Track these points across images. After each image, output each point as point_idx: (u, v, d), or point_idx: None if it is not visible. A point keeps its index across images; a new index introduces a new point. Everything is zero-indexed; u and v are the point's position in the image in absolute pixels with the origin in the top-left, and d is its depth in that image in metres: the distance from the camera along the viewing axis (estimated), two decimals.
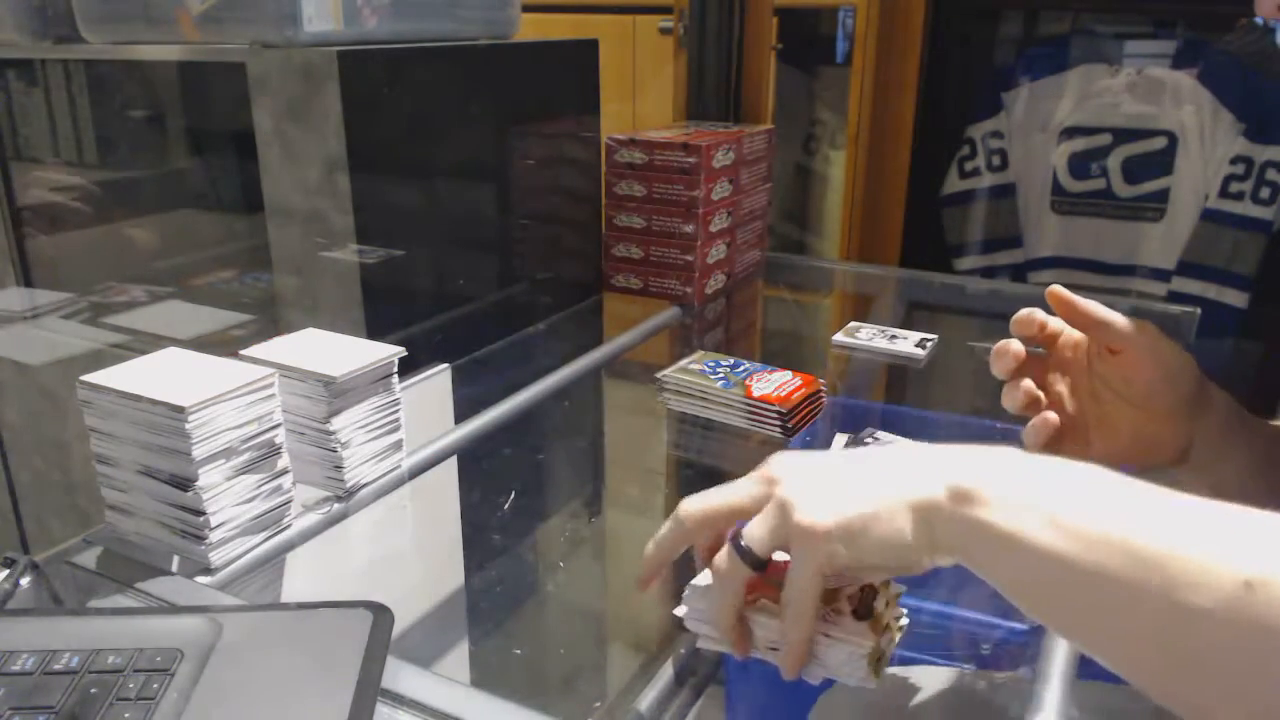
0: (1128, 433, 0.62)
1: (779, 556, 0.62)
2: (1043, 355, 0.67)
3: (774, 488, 0.48)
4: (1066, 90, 1.66)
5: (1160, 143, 1.61)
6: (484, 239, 1.13)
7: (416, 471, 0.79)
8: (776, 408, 0.88)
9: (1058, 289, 0.64)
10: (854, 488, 0.46)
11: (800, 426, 0.88)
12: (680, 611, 0.58)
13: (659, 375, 0.96)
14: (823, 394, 0.93)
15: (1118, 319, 0.62)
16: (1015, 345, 0.65)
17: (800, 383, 0.92)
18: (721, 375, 0.94)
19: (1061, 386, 0.66)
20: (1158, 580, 0.36)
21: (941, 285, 1.40)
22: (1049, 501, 0.41)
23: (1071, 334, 0.66)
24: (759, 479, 0.49)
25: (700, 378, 0.94)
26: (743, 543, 0.48)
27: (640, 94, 2.00)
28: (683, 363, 0.98)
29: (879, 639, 0.55)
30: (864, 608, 0.56)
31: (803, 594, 0.47)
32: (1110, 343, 0.63)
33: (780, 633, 0.53)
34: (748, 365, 0.96)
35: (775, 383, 0.92)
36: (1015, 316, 0.66)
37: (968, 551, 0.44)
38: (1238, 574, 0.35)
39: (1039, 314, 0.65)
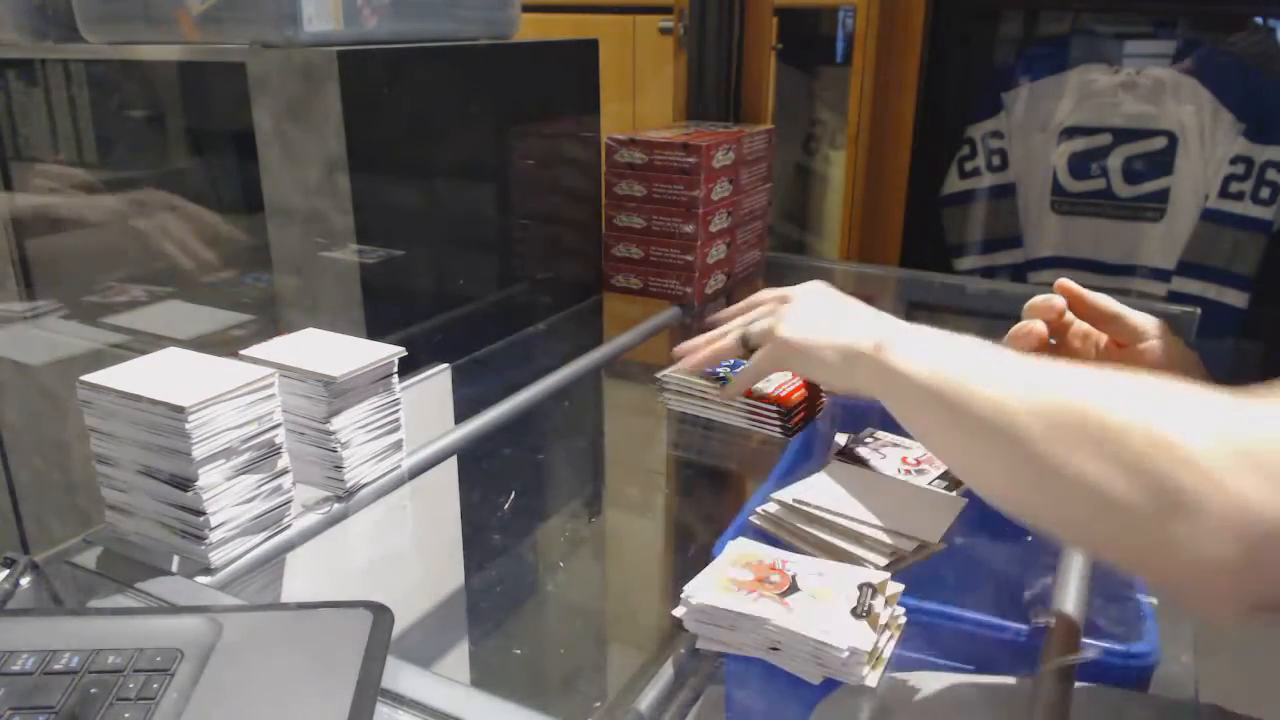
0: None
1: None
2: (1051, 344, 0.67)
3: (783, 305, 0.75)
4: (1066, 90, 1.66)
5: (1160, 143, 1.61)
6: (484, 239, 1.13)
7: (416, 471, 0.79)
8: (775, 407, 0.88)
9: (1066, 281, 0.65)
10: (826, 326, 0.69)
11: (800, 426, 0.88)
12: (680, 612, 0.58)
13: (659, 375, 0.95)
14: (822, 393, 0.92)
15: (1127, 313, 0.63)
16: (1038, 326, 0.66)
17: (799, 383, 0.92)
18: (721, 375, 0.94)
19: None
20: (988, 412, 0.51)
21: (941, 285, 1.40)
22: (934, 356, 0.57)
23: (1082, 325, 0.66)
24: (780, 299, 0.77)
25: (700, 378, 0.94)
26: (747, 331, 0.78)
27: (640, 94, 2.00)
28: (682, 362, 0.98)
29: (879, 637, 0.55)
30: (862, 606, 0.56)
31: (757, 365, 0.77)
32: (1118, 336, 0.63)
33: (779, 632, 0.53)
34: (747, 365, 0.96)
35: (775, 382, 0.92)
36: (1032, 302, 0.67)
37: (877, 386, 0.61)
38: (1034, 406, 0.49)
39: (1059, 301, 0.66)
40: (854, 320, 0.67)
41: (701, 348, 0.82)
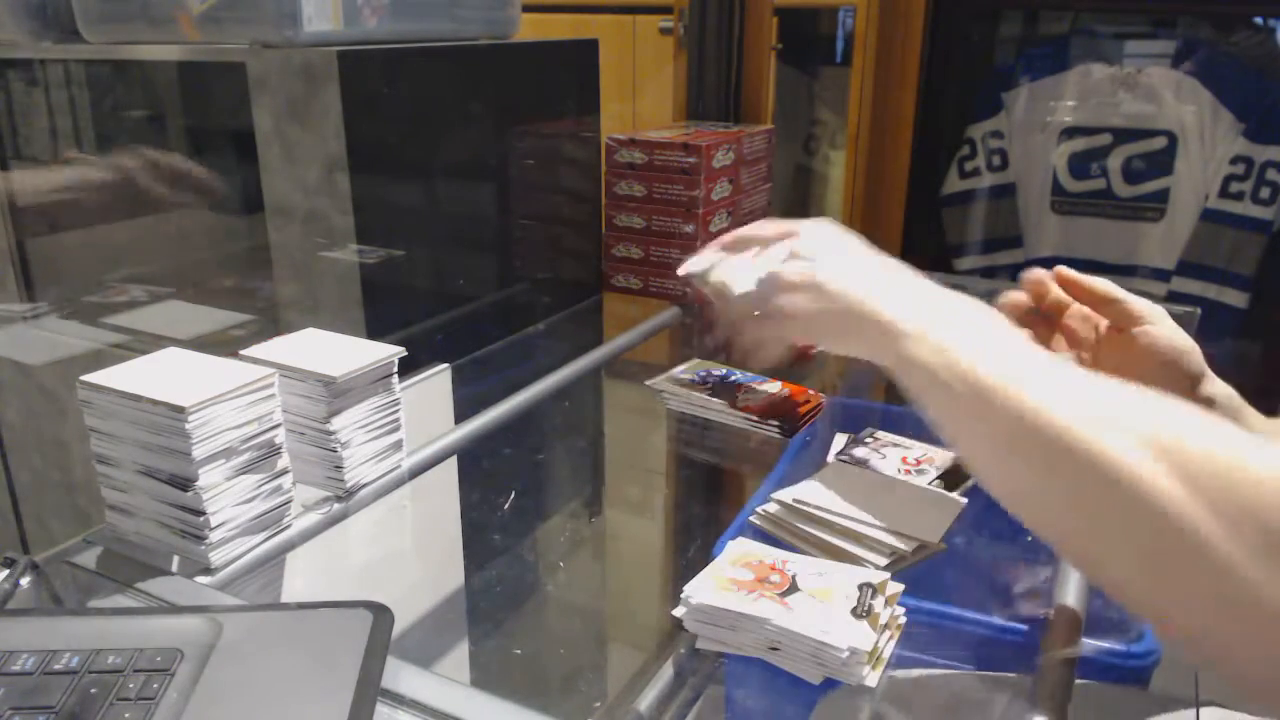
0: None
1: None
2: (1045, 321, 0.68)
3: (802, 242, 0.64)
4: (1066, 90, 1.66)
5: (1160, 143, 1.61)
6: (484, 239, 1.13)
7: (416, 471, 0.79)
8: (759, 418, 0.88)
9: (1063, 268, 0.65)
10: (868, 283, 0.58)
11: (799, 426, 0.88)
12: (680, 611, 0.58)
13: (649, 383, 0.96)
14: (811, 403, 0.92)
15: (1126, 297, 0.63)
16: (1021, 296, 0.67)
17: (789, 393, 0.93)
18: (710, 386, 0.95)
19: (1067, 355, 0.67)
20: (1001, 403, 0.46)
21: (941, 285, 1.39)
22: (956, 348, 0.50)
23: (1081, 307, 0.67)
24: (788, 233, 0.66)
25: (690, 386, 0.94)
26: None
27: (640, 94, 2.00)
28: (675, 371, 0.98)
29: (878, 636, 0.55)
30: (862, 606, 0.56)
31: (791, 308, 0.61)
32: (1117, 320, 0.63)
33: (779, 632, 0.53)
34: (739, 375, 0.97)
35: (766, 392, 0.92)
36: (1028, 274, 0.67)
37: (896, 366, 0.55)
38: (1112, 429, 0.42)
39: (1047, 277, 0.66)
40: (895, 286, 0.58)
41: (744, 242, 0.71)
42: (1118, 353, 0.63)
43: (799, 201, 2.07)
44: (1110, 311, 0.64)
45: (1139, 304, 0.64)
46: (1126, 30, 1.64)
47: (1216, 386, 0.62)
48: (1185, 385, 0.61)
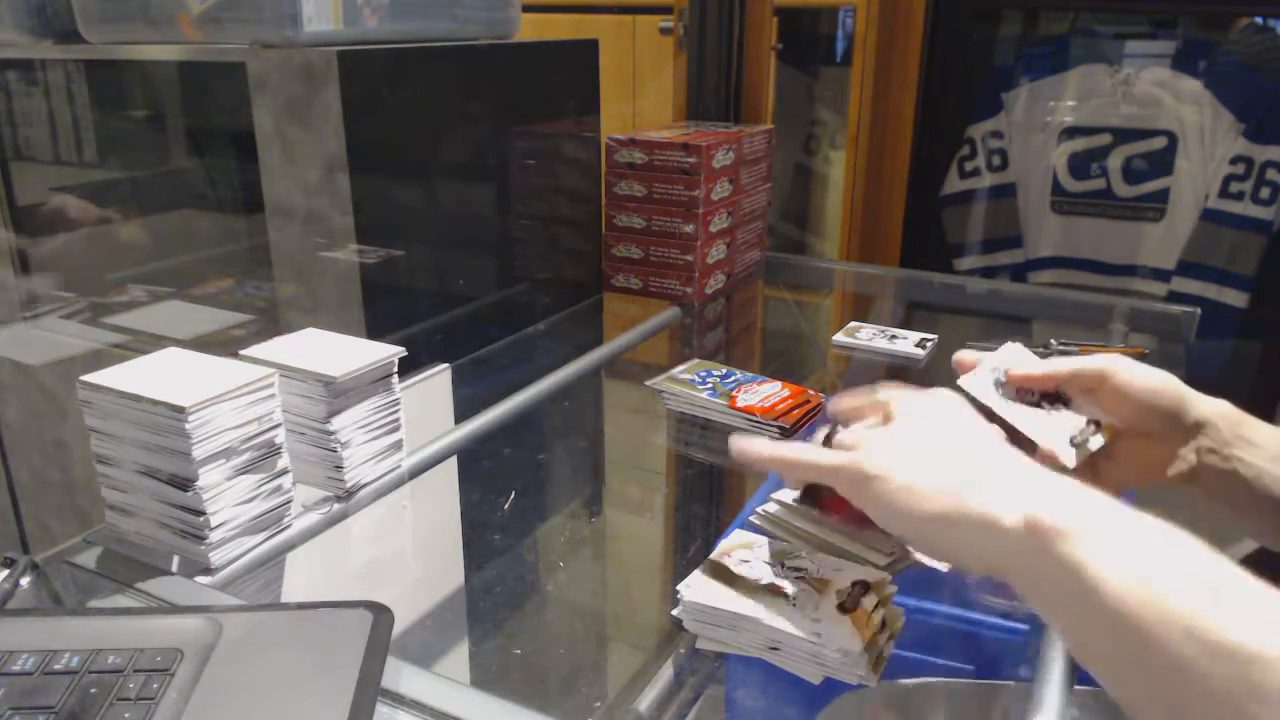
0: (1127, 457, 0.61)
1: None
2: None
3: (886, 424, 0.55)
4: (1066, 90, 1.66)
5: (1160, 143, 1.61)
6: (484, 239, 1.13)
7: (416, 471, 0.79)
8: (759, 418, 0.88)
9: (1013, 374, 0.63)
10: (934, 469, 0.49)
11: (799, 426, 0.88)
12: (679, 611, 0.58)
13: (649, 382, 0.96)
14: (811, 403, 0.92)
15: (1077, 368, 0.61)
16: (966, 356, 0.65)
17: (788, 394, 0.93)
18: (710, 385, 0.95)
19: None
20: (1202, 660, 0.36)
21: (941, 285, 1.40)
22: (1130, 559, 0.40)
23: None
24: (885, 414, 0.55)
25: (689, 387, 0.94)
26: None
27: (640, 94, 2.00)
28: (675, 370, 0.98)
29: (876, 636, 0.55)
30: (854, 603, 0.56)
31: (822, 466, 0.55)
32: (1082, 386, 0.62)
33: (777, 632, 0.53)
34: (739, 375, 0.97)
35: (762, 394, 0.92)
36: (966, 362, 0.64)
37: (1028, 583, 0.44)
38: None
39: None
40: (983, 467, 0.49)
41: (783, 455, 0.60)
42: (1095, 409, 0.62)
43: (799, 201, 2.07)
44: (1068, 384, 0.63)
45: (1093, 364, 0.61)
46: (1126, 30, 1.64)
47: (1206, 407, 0.60)
48: (1169, 417, 0.60)
